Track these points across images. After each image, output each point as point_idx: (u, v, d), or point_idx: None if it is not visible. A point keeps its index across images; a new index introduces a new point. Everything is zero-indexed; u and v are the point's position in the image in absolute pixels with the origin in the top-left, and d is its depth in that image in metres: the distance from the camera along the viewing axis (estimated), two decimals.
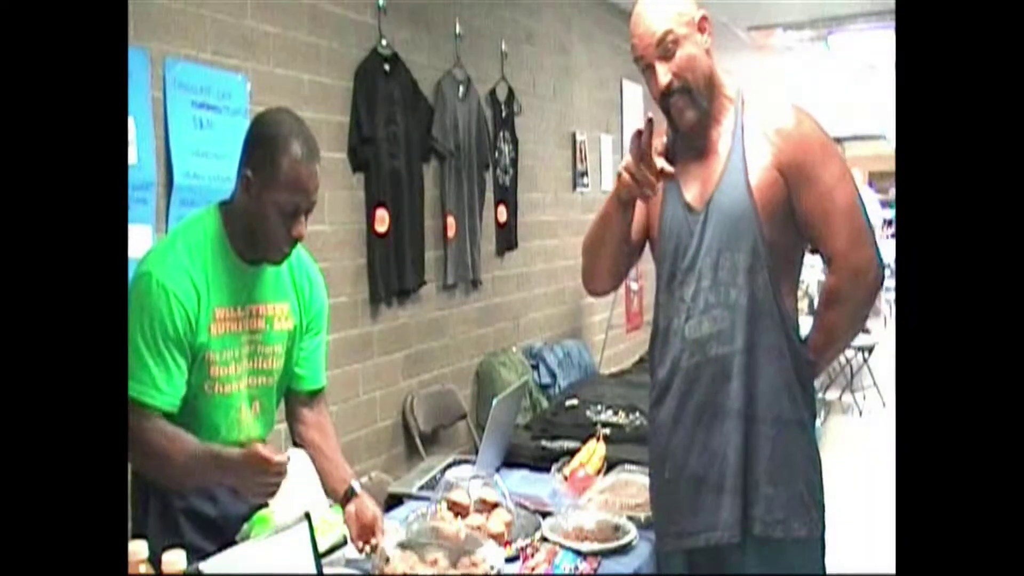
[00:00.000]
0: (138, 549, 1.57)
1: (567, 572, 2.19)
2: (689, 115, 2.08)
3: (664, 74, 2.04)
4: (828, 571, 2.13)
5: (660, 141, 2.21)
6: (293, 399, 2.32)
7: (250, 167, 2.00)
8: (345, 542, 2.22)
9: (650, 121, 1.97)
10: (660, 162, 2.00)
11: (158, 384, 1.95)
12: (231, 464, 1.92)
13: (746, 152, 2.04)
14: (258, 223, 2.02)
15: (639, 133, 1.98)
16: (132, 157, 2.82)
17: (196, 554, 1.65)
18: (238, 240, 2.07)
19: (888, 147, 17.77)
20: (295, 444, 2.31)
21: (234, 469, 1.92)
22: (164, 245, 2.05)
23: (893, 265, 12.49)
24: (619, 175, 2.04)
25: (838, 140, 15.33)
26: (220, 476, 1.97)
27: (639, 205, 2.18)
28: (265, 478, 1.89)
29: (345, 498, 2.20)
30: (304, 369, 2.29)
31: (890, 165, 15.73)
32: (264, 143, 2.00)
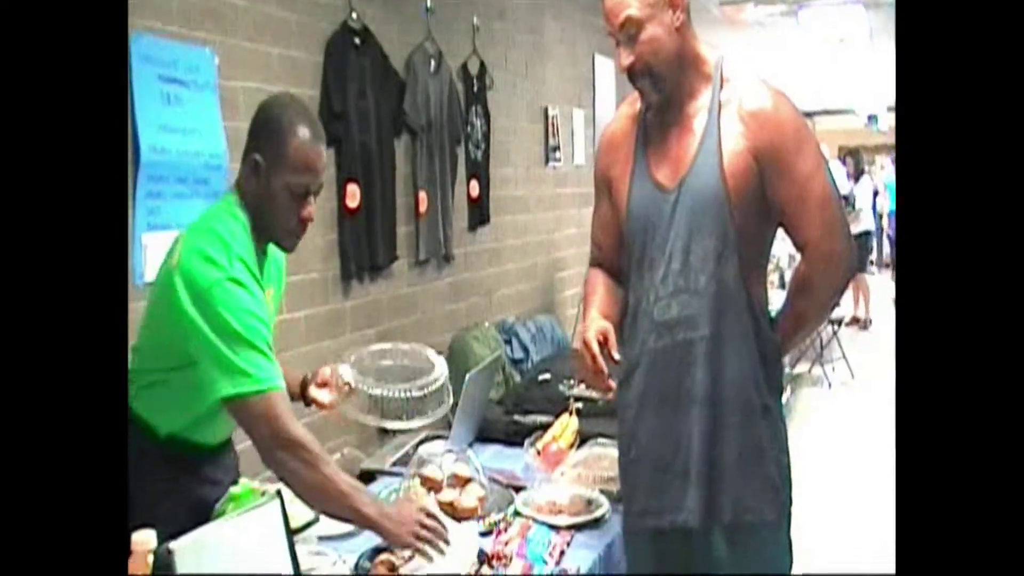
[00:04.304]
0: (146, 539, 1.56)
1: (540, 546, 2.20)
2: (652, 96, 2.08)
3: (626, 56, 2.03)
4: (797, 550, 2.14)
5: (630, 113, 2.21)
6: None
7: (259, 152, 2.02)
8: (317, 520, 2.22)
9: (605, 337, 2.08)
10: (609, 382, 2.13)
11: (279, 372, 1.96)
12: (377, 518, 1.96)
13: (721, 133, 2.02)
14: (269, 207, 2.03)
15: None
16: None
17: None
18: (253, 228, 2.07)
19: (857, 122, 17.86)
20: None
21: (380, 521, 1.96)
22: (216, 244, 1.96)
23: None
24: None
25: (808, 115, 15.38)
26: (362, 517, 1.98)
27: (613, 190, 2.18)
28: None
29: (303, 385, 2.30)
30: None
31: (859, 140, 15.84)
32: (272, 127, 2.02)
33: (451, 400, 2.53)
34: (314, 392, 2.30)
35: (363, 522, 1.99)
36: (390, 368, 2.52)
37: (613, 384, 2.13)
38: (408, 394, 2.33)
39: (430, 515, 2.03)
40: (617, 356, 2.09)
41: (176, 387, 2.04)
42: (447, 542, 1.99)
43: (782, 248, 7.30)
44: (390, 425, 2.36)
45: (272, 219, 2.05)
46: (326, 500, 1.95)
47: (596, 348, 2.07)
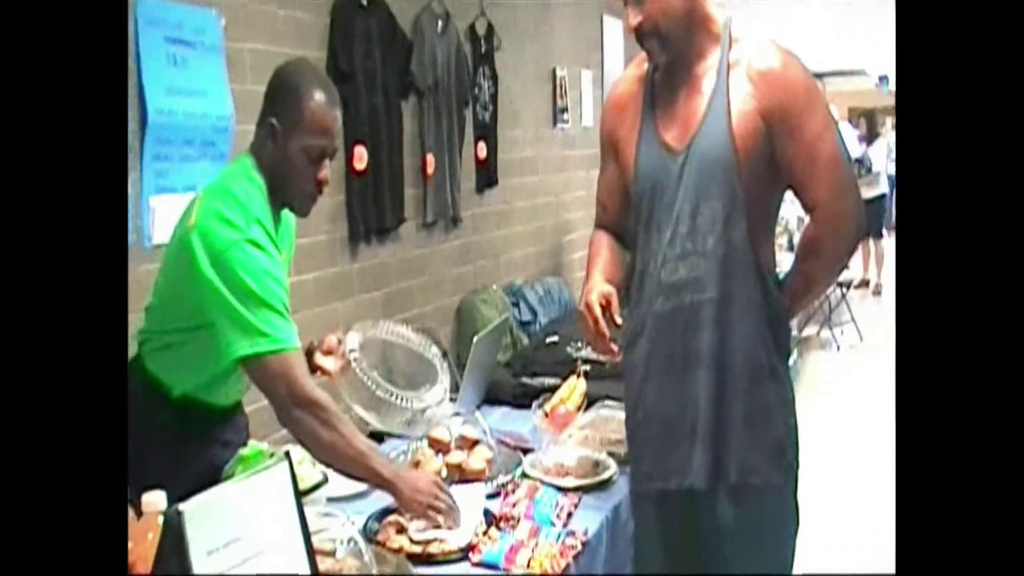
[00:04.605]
0: (155, 500, 1.58)
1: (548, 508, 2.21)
2: (660, 57, 2.07)
3: (634, 16, 2.02)
4: (803, 514, 2.14)
5: (637, 74, 2.19)
6: None
7: (275, 116, 2.05)
8: (326, 481, 2.23)
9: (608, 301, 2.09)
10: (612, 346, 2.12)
11: (295, 332, 1.99)
12: (389, 477, 2.00)
13: (730, 95, 2.00)
14: (286, 170, 2.06)
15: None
16: None
17: None
18: (269, 192, 2.09)
19: (868, 83, 17.70)
20: None
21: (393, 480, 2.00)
22: (234, 206, 1.98)
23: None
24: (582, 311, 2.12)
25: (818, 76, 15.20)
26: (375, 476, 2.02)
27: (620, 151, 2.17)
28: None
29: (308, 352, 2.30)
30: None
31: (870, 101, 15.69)
32: (288, 91, 2.06)
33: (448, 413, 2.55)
34: (320, 359, 2.31)
35: (378, 482, 2.02)
36: (395, 352, 2.52)
37: (615, 347, 2.14)
38: (410, 404, 2.33)
39: (444, 490, 2.05)
40: (619, 320, 2.09)
41: (191, 348, 2.07)
42: (456, 523, 2.01)
43: (791, 211, 7.30)
44: (374, 421, 2.36)
45: (288, 182, 2.07)
46: (342, 459, 1.98)
47: (598, 311, 2.07)
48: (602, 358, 3.14)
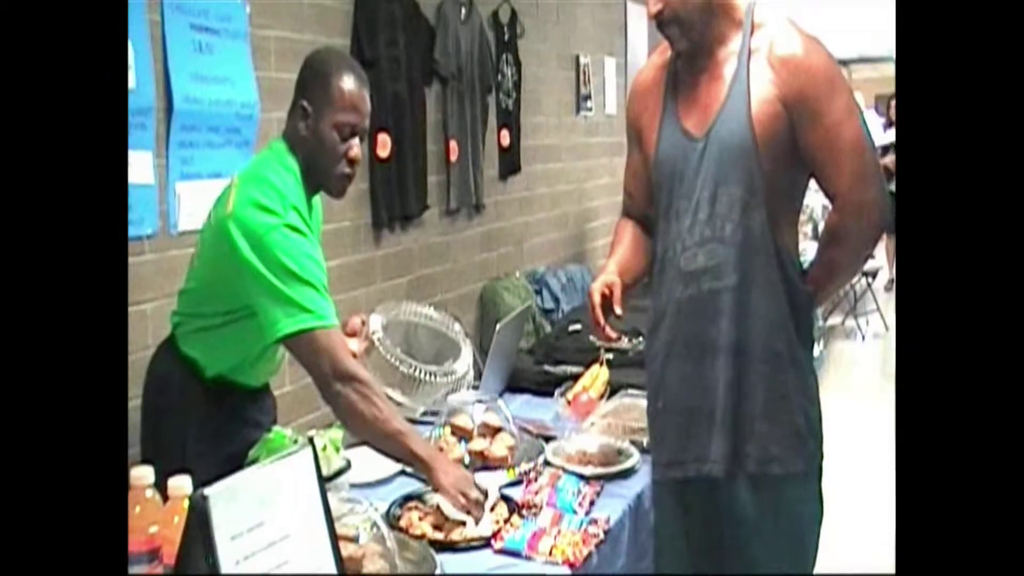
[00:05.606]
0: (181, 484, 1.60)
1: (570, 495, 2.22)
2: (681, 44, 2.06)
3: (654, 3, 2.02)
4: (829, 503, 2.12)
5: (661, 62, 2.18)
6: None
7: (306, 98, 2.13)
8: (349, 467, 2.24)
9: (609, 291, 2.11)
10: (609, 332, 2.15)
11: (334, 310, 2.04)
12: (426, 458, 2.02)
13: (751, 81, 1.98)
14: (318, 148, 2.12)
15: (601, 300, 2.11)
16: (130, 81, 2.79)
17: None
18: (304, 176, 2.15)
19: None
20: None
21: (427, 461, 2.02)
22: (270, 193, 2.03)
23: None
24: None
25: (843, 63, 15.07)
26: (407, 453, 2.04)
27: (643, 138, 2.17)
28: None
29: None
30: None
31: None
32: (318, 74, 2.14)
33: (470, 387, 2.56)
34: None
35: (414, 460, 2.04)
36: (418, 333, 2.55)
37: (613, 334, 2.16)
38: (434, 378, 2.35)
39: (475, 485, 2.05)
40: (619, 311, 2.11)
41: (228, 331, 2.13)
42: (480, 518, 2.02)
43: (815, 199, 7.25)
44: (399, 398, 2.38)
45: (322, 161, 2.13)
46: (381, 436, 2.02)
47: (596, 300, 2.11)
48: (626, 346, 3.16)
